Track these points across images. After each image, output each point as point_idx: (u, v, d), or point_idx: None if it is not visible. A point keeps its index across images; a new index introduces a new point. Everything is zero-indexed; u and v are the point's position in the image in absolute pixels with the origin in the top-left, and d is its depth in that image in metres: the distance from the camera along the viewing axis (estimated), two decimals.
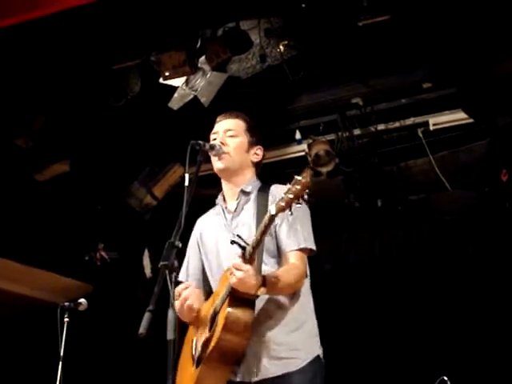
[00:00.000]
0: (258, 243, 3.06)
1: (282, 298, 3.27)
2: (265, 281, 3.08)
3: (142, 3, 4.89)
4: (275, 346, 3.22)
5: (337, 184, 6.49)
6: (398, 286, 6.35)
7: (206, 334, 3.24)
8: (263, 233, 3.04)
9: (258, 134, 3.57)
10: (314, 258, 3.40)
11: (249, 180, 3.49)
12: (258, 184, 3.51)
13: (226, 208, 3.49)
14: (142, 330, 2.73)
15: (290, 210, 2.93)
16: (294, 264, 3.26)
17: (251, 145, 3.51)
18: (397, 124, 6.18)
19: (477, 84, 5.61)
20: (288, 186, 2.93)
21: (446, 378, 4.67)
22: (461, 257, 6.28)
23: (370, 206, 6.45)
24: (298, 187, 2.89)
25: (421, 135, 6.13)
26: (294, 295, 3.31)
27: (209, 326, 3.24)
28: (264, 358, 3.20)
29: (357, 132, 6.25)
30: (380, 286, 6.44)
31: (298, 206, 2.93)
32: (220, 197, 3.55)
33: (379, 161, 6.33)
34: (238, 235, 3.12)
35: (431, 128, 6.10)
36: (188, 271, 3.53)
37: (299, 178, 2.91)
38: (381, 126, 6.20)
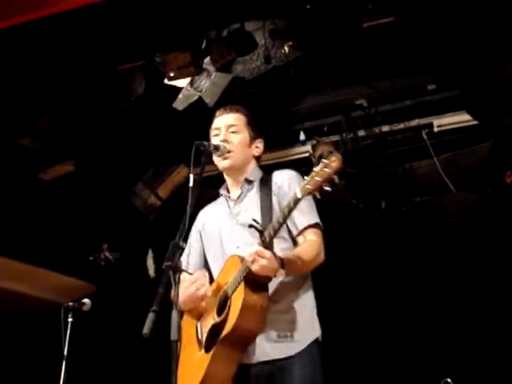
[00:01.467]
0: (280, 226, 3.08)
1: (287, 282, 3.28)
2: (283, 262, 3.10)
3: (147, 4, 4.89)
4: (275, 329, 3.23)
5: (341, 185, 6.47)
6: (402, 288, 6.35)
7: (214, 318, 3.24)
8: (286, 217, 3.05)
9: (258, 127, 3.59)
10: None
11: (249, 171, 3.52)
12: (260, 173, 3.55)
13: (229, 197, 3.53)
14: (145, 330, 2.74)
15: (320, 195, 2.91)
16: (312, 239, 3.29)
17: (252, 139, 3.54)
18: (401, 125, 6.18)
19: (481, 86, 5.60)
20: (316, 168, 2.90)
21: (449, 380, 4.67)
22: (464, 259, 6.27)
23: (373, 208, 6.44)
24: (328, 170, 2.86)
25: (425, 137, 6.12)
26: (298, 280, 3.33)
27: (216, 310, 3.25)
28: (265, 341, 3.21)
29: (361, 133, 6.25)
30: (383, 288, 6.44)
31: (327, 189, 2.89)
32: (223, 189, 3.58)
33: (383, 162, 6.32)
34: (254, 219, 3.13)
35: (435, 130, 6.10)
36: (189, 260, 3.54)
37: (327, 160, 2.87)
38: (385, 128, 6.19)
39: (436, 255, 6.42)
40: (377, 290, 6.47)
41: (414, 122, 6.14)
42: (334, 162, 2.86)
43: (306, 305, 3.36)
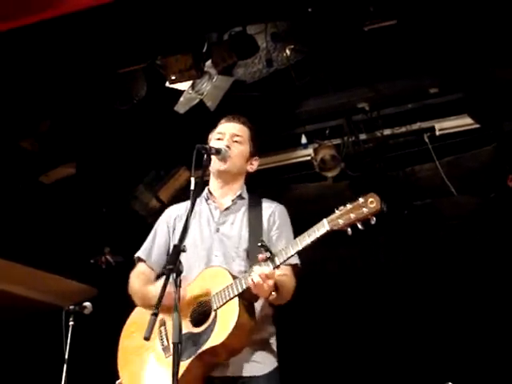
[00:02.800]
0: (293, 254, 3.07)
1: (265, 306, 3.30)
2: (277, 287, 3.12)
3: (149, 7, 4.89)
4: (252, 349, 3.24)
5: (342, 188, 6.49)
6: (404, 291, 6.34)
7: (188, 327, 3.17)
8: (308, 245, 3.03)
9: (258, 145, 3.61)
10: (318, 261, 3.41)
11: (241, 186, 3.55)
12: (246, 193, 3.56)
13: (213, 202, 3.51)
14: (146, 333, 2.74)
15: (352, 230, 2.91)
16: (292, 277, 3.29)
17: (251, 155, 3.56)
18: (403, 129, 6.18)
19: (483, 89, 5.60)
20: (350, 205, 2.92)
21: None
22: (466, 262, 6.27)
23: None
24: (366, 210, 2.89)
25: (427, 140, 6.12)
26: (269, 306, 3.34)
27: (190, 319, 3.20)
28: (241, 358, 3.20)
29: (363, 137, 6.25)
30: (385, 291, 6.43)
31: (360, 227, 2.91)
32: (206, 191, 3.56)
33: (385, 166, 6.32)
34: (262, 240, 3.12)
35: (437, 133, 6.10)
36: (152, 253, 3.52)
37: (365, 199, 2.91)
38: (387, 131, 6.19)
39: (438, 258, 6.42)
40: (378, 292, 6.46)
41: (416, 126, 6.14)
42: (372, 203, 2.91)
43: (274, 334, 3.38)
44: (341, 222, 2.91)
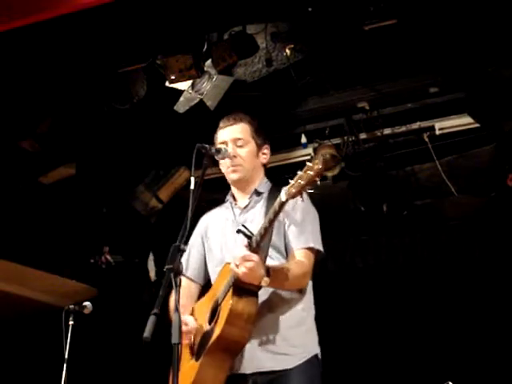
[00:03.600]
0: (266, 231, 3.08)
1: (286, 293, 3.28)
2: (269, 271, 3.09)
3: (148, 7, 4.88)
4: (273, 340, 3.22)
5: (342, 188, 6.48)
6: (404, 291, 6.34)
7: (205, 326, 3.25)
8: (272, 220, 3.06)
9: (263, 134, 3.58)
10: (319, 262, 3.39)
11: (260, 180, 3.53)
12: (269, 185, 3.55)
13: (235, 204, 3.51)
14: (146, 333, 2.73)
15: (301, 197, 2.96)
16: (301, 261, 3.27)
17: (259, 147, 3.53)
18: (403, 128, 6.17)
19: (483, 89, 5.59)
20: (300, 172, 2.93)
21: (451, 383, 4.66)
22: (467, 262, 6.27)
23: (375, 211, 6.43)
24: (311, 173, 2.88)
25: (427, 140, 6.11)
26: (298, 292, 3.32)
27: (208, 318, 3.25)
28: (260, 352, 3.21)
29: (363, 136, 6.24)
30: (386, 291, 6.43)
31: (310, 191, 2.94)
32: (229, 196, 3.57)
33: (385, 165, 6.32)
34: (243, 225, 3.14)
35: (437, 133, 6.09)
36: (188, 264, 3.53)
37: (311, 164, 2.90)
38: (387, 131, 6.18)
39: (438, 258, 6.41)
40: (379, 293, 6.46)
41: (416, 125, 6.13)
42: (316, 164, 2.88)
43: (306, 320, 3.35)
44: (293, 190, 2.93)
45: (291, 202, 3.34)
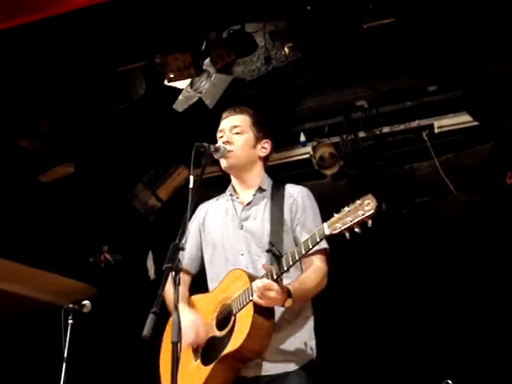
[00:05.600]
0: (300, 258, 3.05)
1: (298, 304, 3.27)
2: (290, 292, 3.08)
3: (147, 5, 4.88)
4: (280, 347, 3.22)
5: (341, 186, 6.49)
6: (403, 289, 6.34)
7: (214, 330, 3.22)
8: (307, 251, 3.02)
9: (265, 128, 3.55)
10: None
11: (261, 176, 3.50)
12: (269, 181, 3.53)
13: (237, 198, 3.49)
14: (145, 332, 2.73)
15: (350, 235, 2.87)
16: (319, 266, 3.26)
17: (258, 139, 3.50)
18: (402, 127, 6.17)
19: (482, 87, 5.60)
20: (348, 208, 2.88)
21: (450, 382, 4.66)
22: (466, 260, 6.27)
23: None
24: (361, 214, 2.84)
25: (426, 138, 6.12)
26: (300, 303, 3.30)
27: (216, 322, 3.23)
28: (265, 357, 3.20)
29: (361, 134, 6.24)
30: (385, 289, 6.43)
31: (357, 231, 2.86)
32: (230, 187, 3.55)
33: (384, 163, 6.32)
34: (271, 243, 3.12)
35: (436, 131, 6.09)
36: (184, 256, 3.47)
37: (362, 202, 2.85)
38: (386, 129, 6.19)
39: (437, 256, 6.41)
40: (378, 291, 6.46)
41: (415, 123, 6.14)
42: (368, 205, 2.84)
43: (305, 326, 3.34)
44: (339, 225, 2.88)
45: (299, 200, 3.37)
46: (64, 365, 4.70)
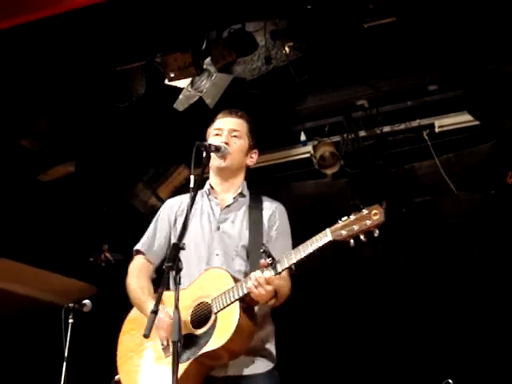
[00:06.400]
0: (300, 262, 3.04)
1: (263, 307, 3.29)
2: (276, 293, 3.13)
3: (148, 5, 4.88)
4: (253, 348, 3.23)
5: (342, 185, 6.49)
6: (403, 288, 6.34)
7: (189, 329, 3.18)
8: (310, 253, 3.01)
9: (256, 138, 3.59)
10: (318, 259, 3.39)
11: (242, 182, 3.54)
12: (247, 189, 3.55)
13: (215, 199, 3.49)
14: (146, 331, 2.73)
15: (355, 243, 2.90)
16: (287, 278, 3.27)
17: (250, 148, 3.54)
18: (402, 126, 6.17)
19: (482, 86, 5.59)
20: (354, 216, 2.91)
21: (450, 381, 4.66)
22: (466, 259, 6.27)
23: None
24: (369, 222, 2.88)
25: (426, 137, 6.12)
26: (267, 308, 3.33)
27: (191, 319, 3.19)
28: (241, 358, 3.21)
29: (362, 134, 6.24)
30: (385, 288, 6.43)
31: (363, 239, 2.90)
32: (208, 186, 3.54)
33: (384, 163, 6.31)
34: (264, 244, 3.12)
35: (437, 130, 6.09)
36: (153, 245, 3.50)
37: (369, 211, 2.89)
38: (386, 128, 6.18)
39: (437, 256, 6.41)
40: (378, 290, 6.46)
41: (416, 123, 6.14)
42: (376, 215, 2.89)
43: (273, 333, 3.39)
44: (344, 233, 2.90)
45: (277, 214, 3.42)
46: (64, 364, 4.71)
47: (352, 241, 2.89)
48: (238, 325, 3.06)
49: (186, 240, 3.28)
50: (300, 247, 3.04)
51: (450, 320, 6.12)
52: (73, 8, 4.63)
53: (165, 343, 3.24)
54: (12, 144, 5.90)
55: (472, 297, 6.08)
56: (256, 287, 3.04)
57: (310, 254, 3.00)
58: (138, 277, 3.46)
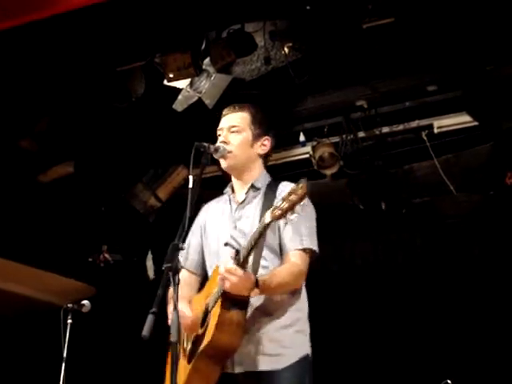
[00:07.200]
0: (252, 248, 3.06)
1: (277, 296, 3.26)
2: (258, 282, 3.08)
3: (147, 5, 4.88)
4: (266, 342, 3.22)
5: (341, 186, 6.49)
6: (402, 289, 6.34)
7: (198, 330, 3.25)
8: (257, 239, 3.04)
9: (265, 125, 3.52)
10: (318, 260, 3.39)
11: (258, 174, 3.48)
12: (267, 179, 3.50)
13: (233, 198, 3.48)
14: (145, 332, 2.73)
15: (285, 219, 2.93)
16: (294, 263, 3.24)
17: (257, 137, 3.46)
18: (401, 127, 6.17)
19: (481, 87, 5.60)
20: (285, 195, 2.93)
21: (449, 382, 4.66)
22: (466, 260, 6.26)
23: (374, 209, 6.43)
24: (294, 197, 2.89)
25: (425, 138, 6.11)
26: (290, 293, 3.30)
27: (200, 321, 3.25)
28: (252, 352, 3.20)
29: (361, 134, 6.24)
30: (384, 289, 6.43)
31: (294, 215, 2.91)
32: (228, 187, 3.54)
33: (383, 163, 6.31)
34: (232, 237, 3.16)
35: (436, 131, 6.09)
36: (188, 255, 3.52)
37: (295, 187, 2.90)
38: (385, 129, 6.18)
39: (437, 257, 6.41)
40: (378, 291, 6.46)
41: (414, 123, 6.14)
42: (300, 188, 2.90)
43: (299, 321, 3.33)
44: (277, 212, 2.92)
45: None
46: (63, 365, 4.70)
47: (288, 215, 2.92)
48: (218, 320, 3.06)
49: (210, 243, 3.43)
50: (251, 237, 3.07)
51: (450, 320, 6.12)
52: (72, 8, 4.63)
53: (184, 344, 3.33)
54: (11, 144, 5.90)
55: (472, 297, 6.08)
56: (222, 280, 3.04)
57: (257, 238, 3.02)
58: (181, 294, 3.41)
